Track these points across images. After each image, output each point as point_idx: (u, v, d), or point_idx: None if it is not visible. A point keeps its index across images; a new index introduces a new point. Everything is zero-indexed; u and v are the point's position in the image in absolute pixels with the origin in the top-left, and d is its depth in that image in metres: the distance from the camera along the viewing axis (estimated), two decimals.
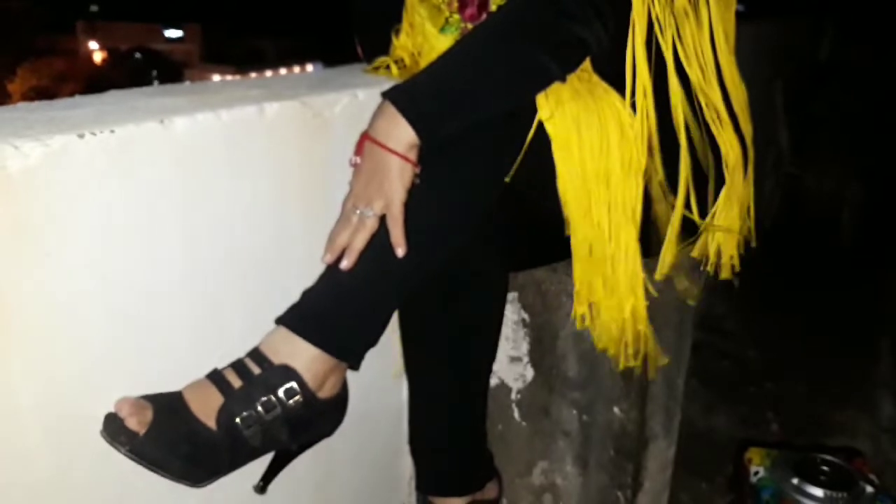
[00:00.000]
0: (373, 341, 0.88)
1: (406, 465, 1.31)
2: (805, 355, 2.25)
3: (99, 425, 0.77)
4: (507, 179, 0.90)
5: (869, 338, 2.39)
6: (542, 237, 1.04)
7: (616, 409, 1.20)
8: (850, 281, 2.70)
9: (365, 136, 0.86)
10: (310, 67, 28.41)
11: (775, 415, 2.01)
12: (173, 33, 28.41)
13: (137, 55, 23.92)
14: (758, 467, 1.31)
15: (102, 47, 25.95)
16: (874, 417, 2.02)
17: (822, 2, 3.64)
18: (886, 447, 1.91)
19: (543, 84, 0.89)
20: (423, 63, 1.10)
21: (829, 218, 3.05)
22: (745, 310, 2.39)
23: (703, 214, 1.00)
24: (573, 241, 0.96)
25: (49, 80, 20.29)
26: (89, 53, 26.01)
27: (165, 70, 23.57)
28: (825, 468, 1.24)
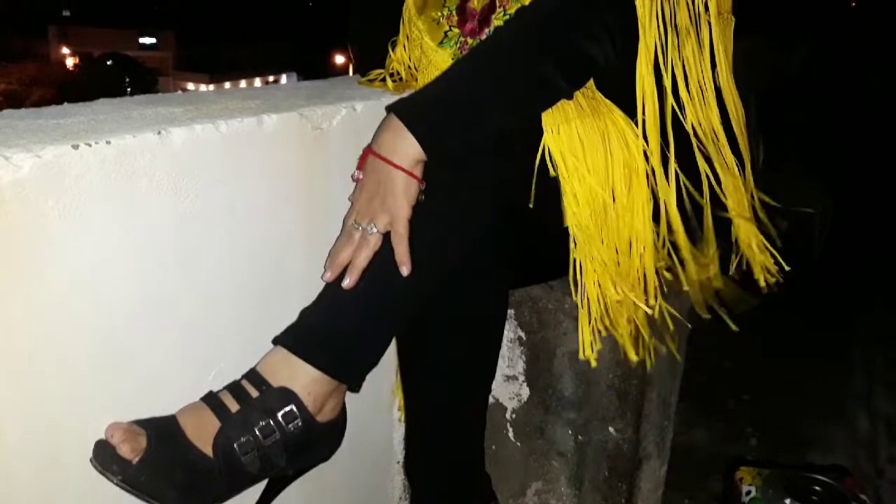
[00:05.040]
0: (374, 362, 0.85)
1: (396, 485, 1.29)
2: (780, 369, 2.26)
3: (89, 453, 0.74)
4: (511, 195, 0.89)
5: (842, 351, 2.42)
6: (542, 254, 1.03)
7: (611, 429, 1.18)
8: (822, 294, 2.73)
9: (368, 151, 0.84)
10: (284, 77, 28.38)
11: (754, 429, 2.02)
12: (147, 40, 28.15)
13: (110, 61, 23.61)
14: (749, 487, 1.30)
15: (74, 52, 25.62)
16: (850, 432, 2.04)
17: (794, 20, 3.71)
18: (863, 462, 1.92)
19: (552, 100, 0.87)
20: (420, 77, 1.08)
21: (800, 232, 3.10)
22: (719, 322, 2.40)
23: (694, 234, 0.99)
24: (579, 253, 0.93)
25: (18, 84, 19.95)
26: (61, 58, 25.66)
27: (139, 77, 23.33)
28: (817, 488, 1.24)
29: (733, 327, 0.96)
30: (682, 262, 0.97)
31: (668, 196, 0.93)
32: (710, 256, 0.99)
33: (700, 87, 0.97)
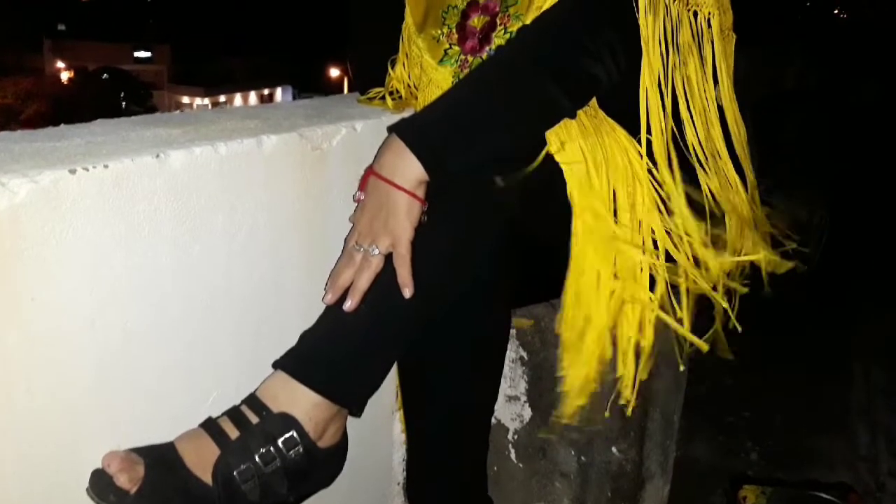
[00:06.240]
0: (376, 386, 0.84)
1: None
2: (779, 382, 2.26)
3: (85, 482, 0.72)
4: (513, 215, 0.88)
5: (841, 364, 2.41)
6: (544, 273, 1.02)
7: (614, 449, 1.17)
8: (820, 306, 2.73)
9: (370, 171, 0.83)
10: (279, 90, 28.46)
11: (754, 444, 2.01)
12: (142, 54, 28.20)
13: (105, 75, 23.62)
14: None
15: (70, 66, 25.64)
16: (851, 446, 2.03)
17: (789, 31, 3.74)
18: (864, 475, 1.91)
19: (555, 119, 0.86)
20: (420, 95, 1.07)
21: (797, 244, 3.09)
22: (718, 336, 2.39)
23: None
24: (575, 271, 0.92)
25: (14, 98, 19.89)
26: (56, 72, 25.68)
27: (134, 90, 23.35)
28: None
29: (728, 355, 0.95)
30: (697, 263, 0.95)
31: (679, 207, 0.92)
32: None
33: (703, 105, 0.96)
